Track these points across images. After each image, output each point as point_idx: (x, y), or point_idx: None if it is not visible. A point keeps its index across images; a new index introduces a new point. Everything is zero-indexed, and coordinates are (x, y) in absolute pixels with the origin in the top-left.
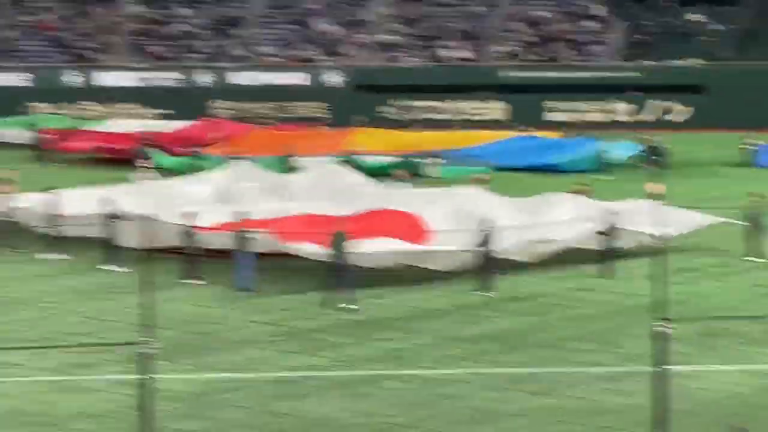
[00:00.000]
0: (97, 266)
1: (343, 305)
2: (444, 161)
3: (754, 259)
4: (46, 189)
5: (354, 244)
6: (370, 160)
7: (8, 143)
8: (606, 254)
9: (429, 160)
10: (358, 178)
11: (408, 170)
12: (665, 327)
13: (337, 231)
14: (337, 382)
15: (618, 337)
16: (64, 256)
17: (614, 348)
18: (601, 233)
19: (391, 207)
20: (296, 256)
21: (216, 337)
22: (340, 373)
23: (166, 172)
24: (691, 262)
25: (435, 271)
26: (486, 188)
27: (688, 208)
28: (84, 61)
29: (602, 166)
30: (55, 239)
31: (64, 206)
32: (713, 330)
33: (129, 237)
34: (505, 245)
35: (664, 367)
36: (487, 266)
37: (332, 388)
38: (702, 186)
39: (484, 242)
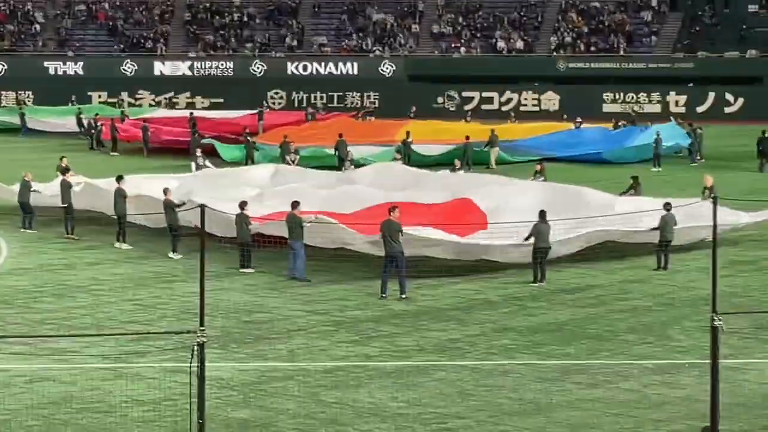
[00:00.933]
0: (152, 254)
1: (404, 296)
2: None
3: None
4: (116, 176)
5: (410, 233)
6: (424, 149)
7: (62, 132)
8: (661, 248)
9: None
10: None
11: (461, 160)
12: (718, 320)
13: (390, 220)
14: (388, 372)
15: (671, 330)
16: (125, 246)
17: (667, 340)
18: (655, 229)
19: (452, 196)
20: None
21: (268, 327)
22: (391, 363)
23: (223, 161)
24: (745, 255)
25: (488, 262)
26: (542, 179)
27: (739, 200)
28: (138, 50)
29: (654, 157)
30: (121, 227)
31: (130, 192)
32: (767, 323)
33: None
34: (561, 238)
35: (716, 360)
36: (542, 258)
37: (383, 377)
38: (754, 178)
39: (541, 234)
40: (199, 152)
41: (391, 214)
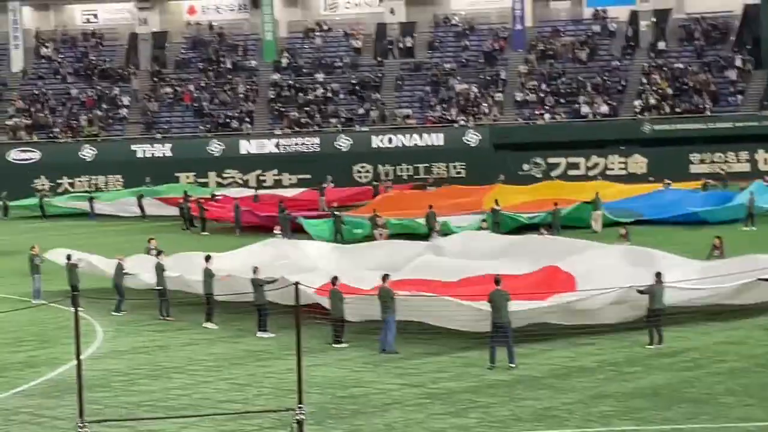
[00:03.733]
0: (244, 333)
1: (513, 365)
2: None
3: None
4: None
5: (517, 304)
6: (514, 215)
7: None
8: (650, 320)
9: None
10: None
11: (548, 226)
12: None
13: (498, 290)
14: None
15: None
16: (213, 326)
17: (767, 402)
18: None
19: (546, 263)
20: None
21: (363, 401)
22: None
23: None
24: None
25: (581, 328)
26: (628, 243)
27: None
28: (224, 130)
29: (747, 216)
30: (209, 306)
31: (218, 272)
32: None
33: (278, 300)
34: (673, 300)
35: None
36: (657, 320)
37: None
38: None
39: (656, 296)
40: (277, 229)
41: (499, 284)
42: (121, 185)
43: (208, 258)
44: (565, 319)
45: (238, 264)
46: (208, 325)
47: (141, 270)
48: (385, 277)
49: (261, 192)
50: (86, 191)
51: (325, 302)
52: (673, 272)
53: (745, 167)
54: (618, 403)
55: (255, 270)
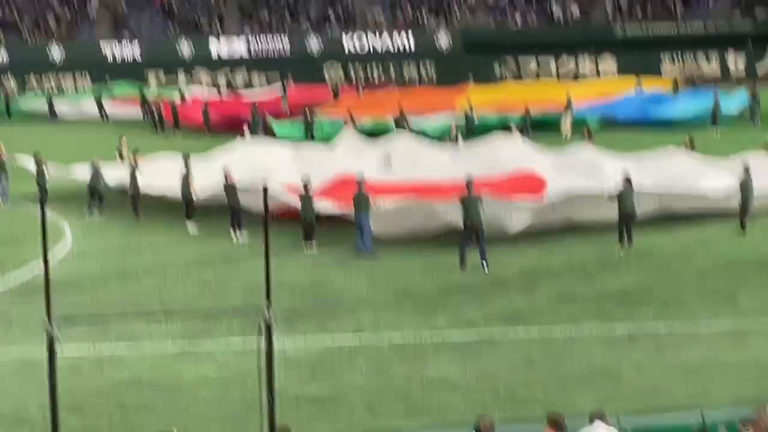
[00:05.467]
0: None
1: (483, 264)
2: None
3: None
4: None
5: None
6: (485, 118)
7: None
8: (742, 208)
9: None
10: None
11: (519, 127)
12: None
13: (470, 192)
14: (456, 343)
15: (738, 293)
16: (193, 226)
17: (735, 303)
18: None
19: (516, 167)
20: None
21: (335, 302)
22: (458, 334)
23: (279, 138)
24: None
25: (550, 231)
26: (592, 145)
27: None
28: (194, 30)
29: (715, 119)
30: (188, 207)
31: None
32: None
33: (248, 204)
34: (644, 201)
35: None
36: (628, 222)
37: (451, 349)
38: None
39: (626, 199)
40: (246, 129)
41: (470, 186)
42: (88, 86)
43: (186, 158)
44: (536, 220)
45: (208, 167)
46: (190, 226)
47: (114, 172)
48: (360, 180)
49: (229, 94)
50: (49, 92)
51: (295, 201)
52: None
53: (716, 70)
54: (586, 304)
55: (226, 171)
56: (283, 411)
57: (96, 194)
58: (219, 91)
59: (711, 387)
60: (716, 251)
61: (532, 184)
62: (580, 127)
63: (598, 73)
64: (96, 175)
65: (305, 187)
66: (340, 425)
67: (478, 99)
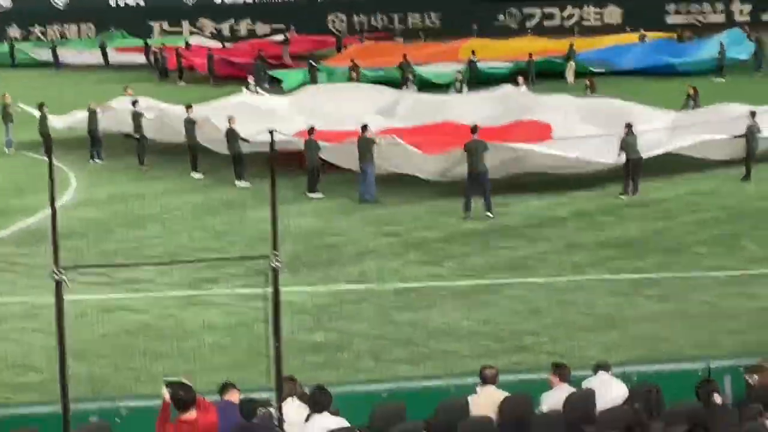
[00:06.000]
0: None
1: (488, 213)
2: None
3: None
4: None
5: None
6: (489, 67)
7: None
8: (749, 157)
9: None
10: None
11: (525, 75)
12: None
13: (475, 139)
14: (460, 291)
15: (743, 241)
16: (200, 175)
17: (739, 251)
18: (738, 136)
19: (524, 117)
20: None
21: (340, 250)
22: (463, 282)
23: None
24: None
25: (556, 179)
26: (594, 94)
27: None
28: None
29: (717, 67)
30: (193, 155)
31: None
32: None
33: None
34: (652, 148)
35: None
36: (634, 170)
37: (455, 297)
38: None
39: (630, 146)
40: (251, 79)
41: (475, 133)
42: (93, 34)
43: (189, 107)
44: (543, 166)
45: (213, 114)
46: (195, 174)
47: (117, 117)
48: (364, 128)
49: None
50: (53, 41)
51: (301, 146)
52: (644, 124)
53: (721, 18)
54: (590, 253)
55: (230, 120)
56: (287, 358)
57: (96, 140)
58: (222, 41)
59: (716, 336)
60: (721, 199)
61: (538, 130)
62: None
63: (602, 23)
64: (93, 119)
65: (309, 132)
66: (345, 372)
67: (483, 49)
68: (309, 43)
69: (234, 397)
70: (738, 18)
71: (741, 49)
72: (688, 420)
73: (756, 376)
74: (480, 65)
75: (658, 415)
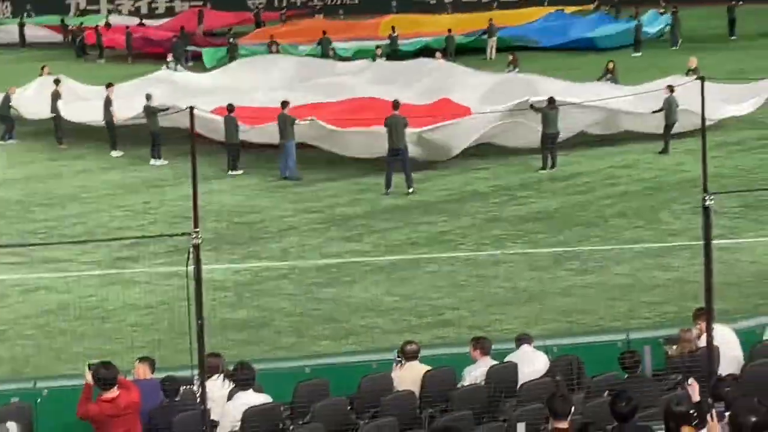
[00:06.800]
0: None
1: (411, 189)
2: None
3: None
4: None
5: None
6: (408, 42)
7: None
8: (665, 130)
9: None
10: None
11: (444, 51)
12: (710, 199)
13: (396, 115)
14: (382, 267)
15: (661, 213)
16: (119, 153)
17: (657, 224)
18: (656, 111)
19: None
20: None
21: (260, 227)
22: (384, 258)
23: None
24: (730, 136)
25: (474, 155)
26: (516, 70)
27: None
28: None
29: (634, 41)
30: (111, 133)
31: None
32: (756, 202)
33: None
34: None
35: (709, 240)
36: (552, 144)
37: (376, 273)
38: (744, 58)
39: (549, 120)
40: (170, 57)
41: (397, 109)
42: (9, 13)
43: (109, 85)
44: (464, 142)
45: (131, 92)
46: (114, 152)
47: (34, 99)
48: (284, 104)
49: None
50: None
51: (220, 124)
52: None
53: None
54: (511, 227)
55: (148, 97)
56: (210, 336)
57: (7, 120)
58: (141, 19)
59: (635, 307)
60: (639, 173)
61: (455, 111)
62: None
63: None
64: (5, 102)
65: (229, 109)
66: (267, 348)
67: (403, 24)
68: (226, 18)
69: (144, 371)
70: None
71: (656, 24)
72: (609, 391)
73: (674, 347)
74: (400, 41)
75: (580, 387)
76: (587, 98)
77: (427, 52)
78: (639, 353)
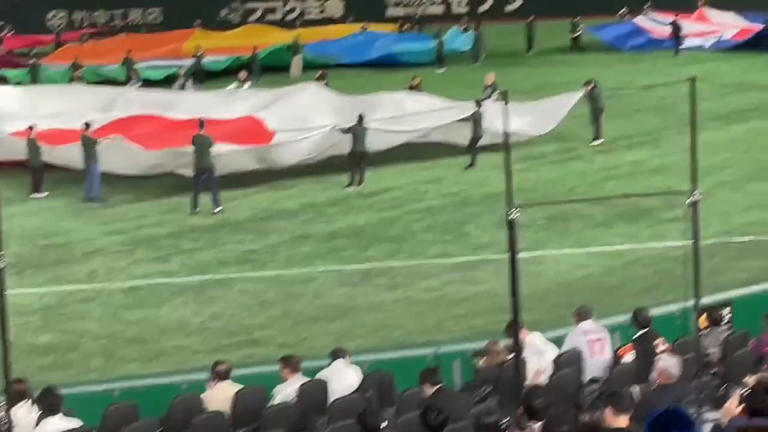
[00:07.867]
0: None
1: (218, 209)
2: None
3: (594, 143)
4: None
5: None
6: (211, 61)
7: None
8: (470, 144)
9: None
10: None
11: (249, 69)
12: (514, 214)
13: (201, 134)
14: (190, 287)
15: (467, 227)
16: None
17: (464, 238)
18: (463, 119)
19: (236, 113)
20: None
21: (66, 250)
22: (193, 278)
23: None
24: (532, 150)
25: (281, 172)
26: (325, 85)
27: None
28: None
29: (437, 59)
30: None
31: None
32: (559, 214)
33: None
34: (373, 140)
35: (515, 252)
36: (357, 161)
37: (185, 293)
38: (544, 73)
39: (359, 137)
40: None
41: (202, 128)
42: None
43: None
44: (267, 163)
45: None
46: None
47: None
48: (87, 125)
49: None
50: None
51: (22, 146)
52: (376, 113)
53: (440, 10)
54: (320, 244)
55: None
56: (15, 361)
57: None
58: None
59: (443, 321)
60: (446, 187)
61: (258, 131)
62: (311, 68)
63: (324, 15)
64: None
65: (30, 131)
66: (75, 373)
67: (207, 43)
68: (24, 41)
69: None
70: (456, 10)
71: (459, 42)
72: (419, 406)
73: (482, 360)
74: (203, 60)
75: (390, 402)
76: (395, 113)
77: (231, 71)
78: (438, 369)
